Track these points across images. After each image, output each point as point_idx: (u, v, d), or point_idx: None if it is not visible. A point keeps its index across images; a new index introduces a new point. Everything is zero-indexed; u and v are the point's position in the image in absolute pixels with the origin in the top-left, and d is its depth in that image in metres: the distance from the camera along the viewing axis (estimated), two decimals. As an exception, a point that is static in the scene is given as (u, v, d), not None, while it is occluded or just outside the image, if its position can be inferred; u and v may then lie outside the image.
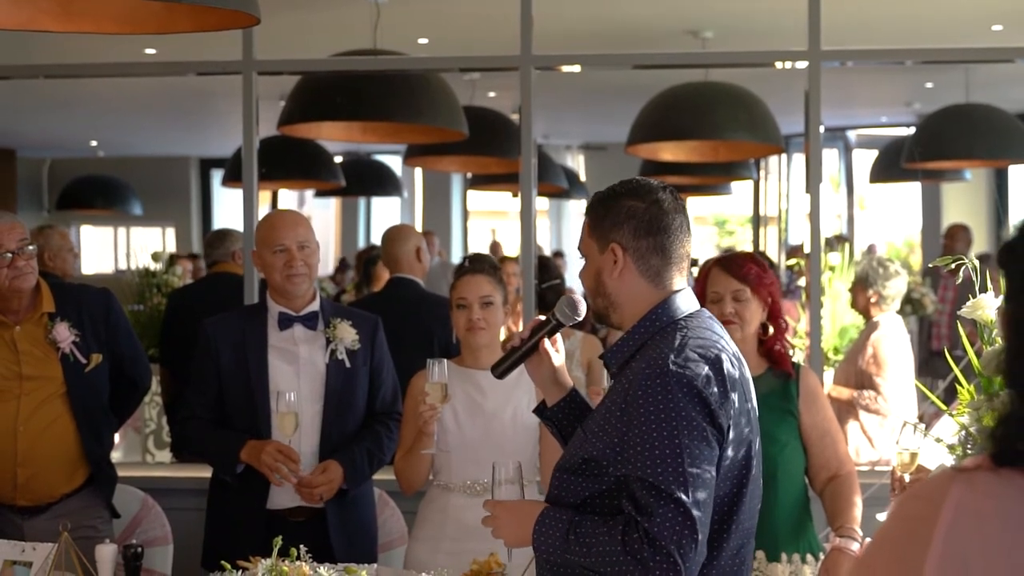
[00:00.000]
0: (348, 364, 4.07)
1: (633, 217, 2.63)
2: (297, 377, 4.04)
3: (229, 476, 4.03)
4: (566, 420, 2.84)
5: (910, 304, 7.85)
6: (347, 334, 4.07)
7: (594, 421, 2.62)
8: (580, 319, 2.83)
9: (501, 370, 2.89)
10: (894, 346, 5.89)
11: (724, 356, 2.55)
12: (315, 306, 4.11)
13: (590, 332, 5.85)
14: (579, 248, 2.75)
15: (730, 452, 2.55)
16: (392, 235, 5.72)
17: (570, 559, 2.55)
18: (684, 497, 2.43)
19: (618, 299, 2.67)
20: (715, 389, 2.50)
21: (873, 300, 5.99)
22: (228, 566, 3.16)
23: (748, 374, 2.69)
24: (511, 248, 12.18)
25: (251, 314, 4.18)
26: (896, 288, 6.01)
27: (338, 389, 4.06)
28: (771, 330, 3.71)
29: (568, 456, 2.66)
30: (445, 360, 3.75)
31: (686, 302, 2.66)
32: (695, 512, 2.43)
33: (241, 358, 4.04)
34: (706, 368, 2.50)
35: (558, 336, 2.87)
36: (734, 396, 2.54)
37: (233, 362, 4.04)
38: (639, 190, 2.66)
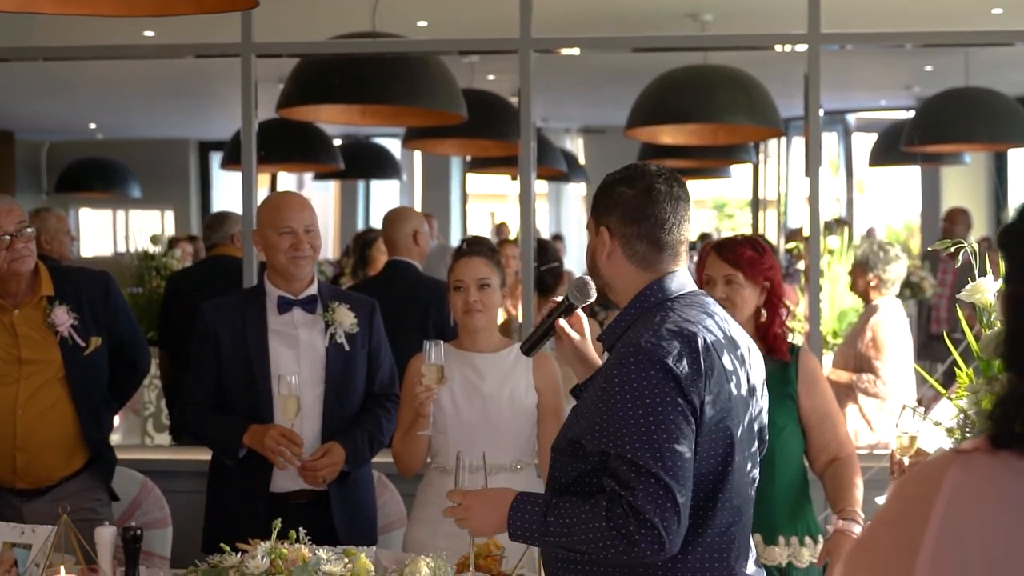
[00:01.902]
0: (347, 348, 4.08)
1: (621, 203, 2.69)
2: (297, 361, 4.04)
3: (231, 461, 4.03)
4: None
5: (909, 288, 7.86)
6: (346, 318, 4.08)
7: (582, 401, 2.68)
8: (591, 300, 2.87)
9: (527, 347, 3.00)
10: (893, 330, 5.90)
11: (701, 334, 2.58)
12: (313, 289, 4.11)
13: (589, 316, 5.84)
14: (587, 228, 2.82)
15: (708, 429, 2.56)
16: (391, 217, 5.73)
17: (548, 541, 2.58)
18: (662, 472, 2.47)
19: (610, 280, 2.74)
20: (686, 365, 2.52)
21: (873, 284, 6.00)
22: (228, 549, 3.16)
23: (744, 355, 2.70)
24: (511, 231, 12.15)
25: (250, 298, 4.17)
26: (896, 272, 6.01)
27: (338, 373, 4.06)
28: (764, 315, 3.72)
29: (559, 436, 2.71)
30: (442, 342, 3.75)
31: (678, 283, 2.70)
32: (673, 486, 2.47)
33: (241, 343, 4.04)
34: (677, 345, 2.54)
35: (582, 316, 2.96)
36: (711, 374, 2.56)
37: (233, 347, 4.04)
38: (632, 177, 2.71)
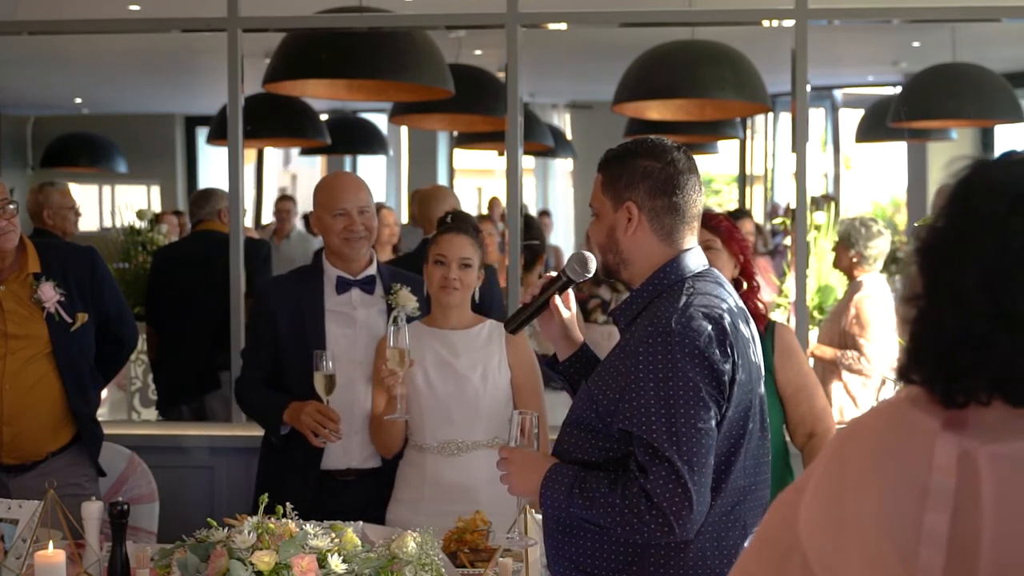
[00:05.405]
0: None
1: (649, 177, 2.67)
2: (354, 341, 4.05)
3: (275, 437, 4.05)
4: (577, 375, 2.89)
5: (895, 263, 7.87)
6: (409, 301, 4.10)
7: (599, 376, 2.66)
8: (590, 275, 2.86)
9: (514, 326, 2.97)
10: (877, 307, 5.90)
11: (727, 316, 2.58)
12: (372, 270, 4.14)
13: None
14: (591, 204, 2.78)
15: (730, 413, 2.57)
16: (427, 196, 5.74)
17: (573, 512, 2.60)
18: (676, 457, 2.47)
19: (630, 256, 2.71)
20: (716, 349, 2.52)
21: (855, 260, 6.00)
22: (214, 523, 3.16)
23: (754, 332, 2.71)
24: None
25: (307, 277, 4.18)
26: (879, 248, 6.01)
27: None
28: (745, 285, 3.76)
29: (575, 411, 2.70)
30: (405, 325, 3.76)
31: (695, 260, 2.70)
32: (687, 474, 2.47)
33: (298, 322, 4.05)
34: (709, 328, 2.53)
35: (570, 292, 2.92)
36: (737, 356, 2.56)
37: (290, 325, 4.05)
38: (655, 150, 2.70)
